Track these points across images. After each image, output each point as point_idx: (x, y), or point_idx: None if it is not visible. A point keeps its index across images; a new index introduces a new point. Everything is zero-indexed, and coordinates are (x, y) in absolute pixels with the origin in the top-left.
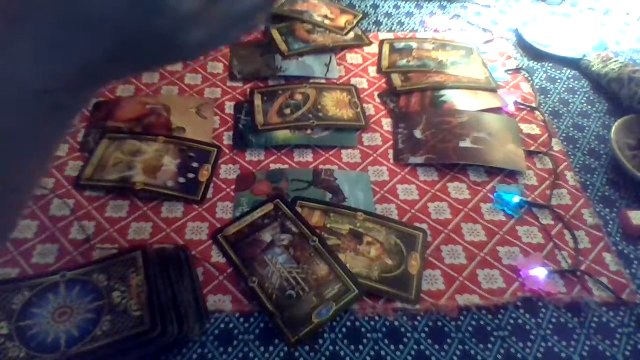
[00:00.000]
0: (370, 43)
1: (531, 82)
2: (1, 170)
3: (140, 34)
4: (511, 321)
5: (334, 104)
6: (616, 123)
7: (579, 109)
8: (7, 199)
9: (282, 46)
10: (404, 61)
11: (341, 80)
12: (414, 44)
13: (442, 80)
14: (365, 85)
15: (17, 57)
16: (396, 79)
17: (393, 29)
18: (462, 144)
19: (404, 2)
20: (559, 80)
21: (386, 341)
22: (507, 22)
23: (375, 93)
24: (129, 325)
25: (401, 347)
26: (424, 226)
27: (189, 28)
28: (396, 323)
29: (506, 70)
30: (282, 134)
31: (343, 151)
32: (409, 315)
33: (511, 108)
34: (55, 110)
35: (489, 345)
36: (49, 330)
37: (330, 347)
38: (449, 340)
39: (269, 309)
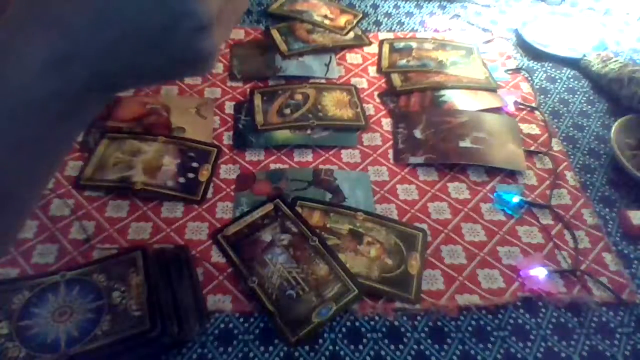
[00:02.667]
0: (370, 43)
1: (531, 82)
2: (6, 178)
3: (159, 42)
4: (511, 321)
5: (334, 104)
6: (616, 123)
7: (579, 109)
8: (11, 208)
9: (282, 46)
10: (404, 61)
11: (341, 80)
12: (414, 44)
13: (442, 80)
14: (365, 85)
15: (28, 64)
16: (396, 79)
17: (393, 29)
18: (462, 144)
19: (404, 2)
20: (559, 80)
21: (386, 341)
22: (507, 22)
23: (375, 93)
24: (129, 325)
25: (401, 347)
26: (424, 226)
27: (204, 36)
28: (396, 323)
29: (506, 70)
30: (282, 134)
31: (343, 151)
32: (409, 315)
33: (511, 108)
34: (63, 118)
35: (489, 345)
36: (49, 330)
37: (330, 347)
38: (449, 340)
39: (269, 309)
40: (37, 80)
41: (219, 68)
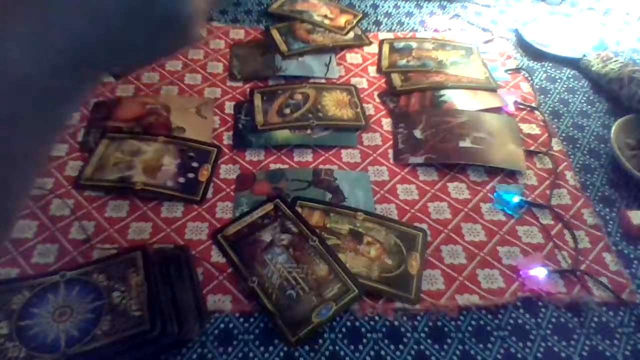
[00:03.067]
0: (370, 43)
1: (531, 82)
2: None
3: (142, 14)
4: (511, 321)
5: (334, 104)
6: (616, 123)
7: (579, 109)
8: (5, 191)
9: (282, 46)
10: (404, 61)
11: (341, 80)
12: (414, 44)
13: (442, 80)
14: (365, 85)
15: (13, 41)
16: (396, 79)
17: (393, 29)
18: (462, 144)
19: (404, 2)
20: (559, 80)
21: (386, 341)
22: (507, 22)
23: (375, 93)
24: (129, 325)
25: (401, 347)
26: (424, 226)
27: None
28: (396, 323)
29: (506, 70)
30: (282, 134)
31: (343, 151)
32: (409, 315)
33: (511, 108)
34: (52, 97)
35: (489, 345)
36: (49, 330)
37: (330, 347)
38: (449, 340)
39: (269, 309)
40: (20, 60)
41: (219, 68)
